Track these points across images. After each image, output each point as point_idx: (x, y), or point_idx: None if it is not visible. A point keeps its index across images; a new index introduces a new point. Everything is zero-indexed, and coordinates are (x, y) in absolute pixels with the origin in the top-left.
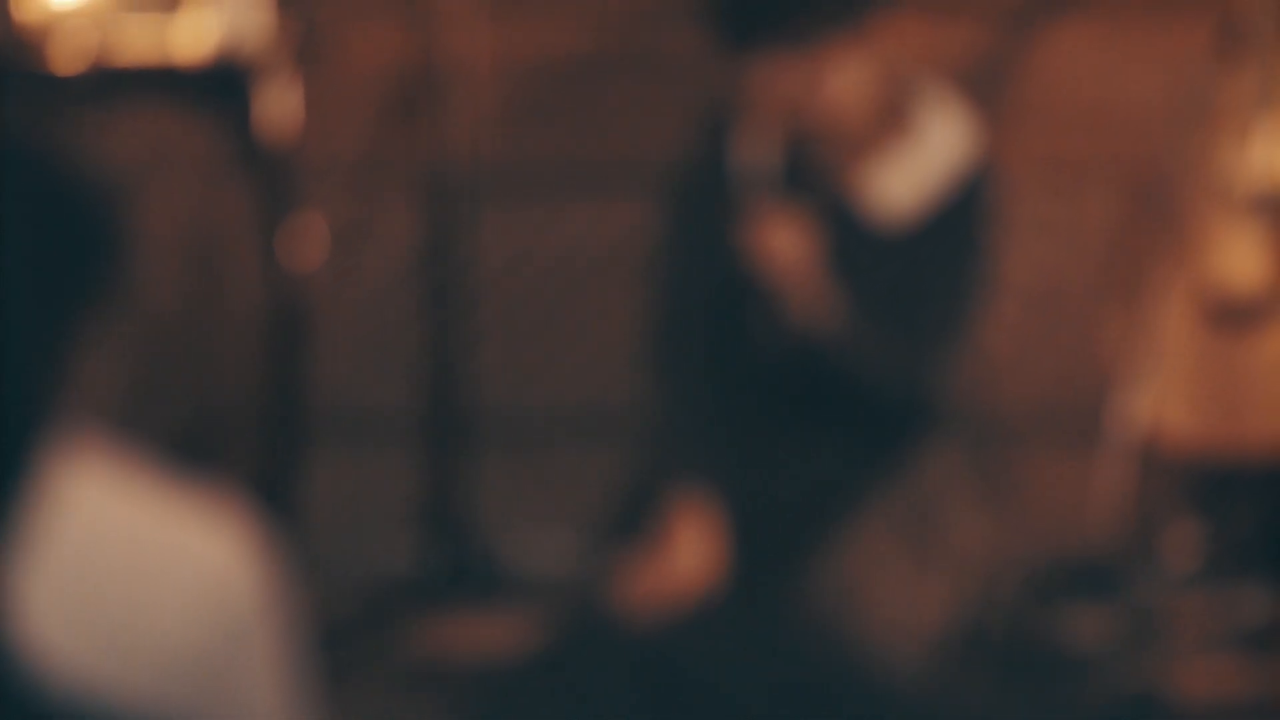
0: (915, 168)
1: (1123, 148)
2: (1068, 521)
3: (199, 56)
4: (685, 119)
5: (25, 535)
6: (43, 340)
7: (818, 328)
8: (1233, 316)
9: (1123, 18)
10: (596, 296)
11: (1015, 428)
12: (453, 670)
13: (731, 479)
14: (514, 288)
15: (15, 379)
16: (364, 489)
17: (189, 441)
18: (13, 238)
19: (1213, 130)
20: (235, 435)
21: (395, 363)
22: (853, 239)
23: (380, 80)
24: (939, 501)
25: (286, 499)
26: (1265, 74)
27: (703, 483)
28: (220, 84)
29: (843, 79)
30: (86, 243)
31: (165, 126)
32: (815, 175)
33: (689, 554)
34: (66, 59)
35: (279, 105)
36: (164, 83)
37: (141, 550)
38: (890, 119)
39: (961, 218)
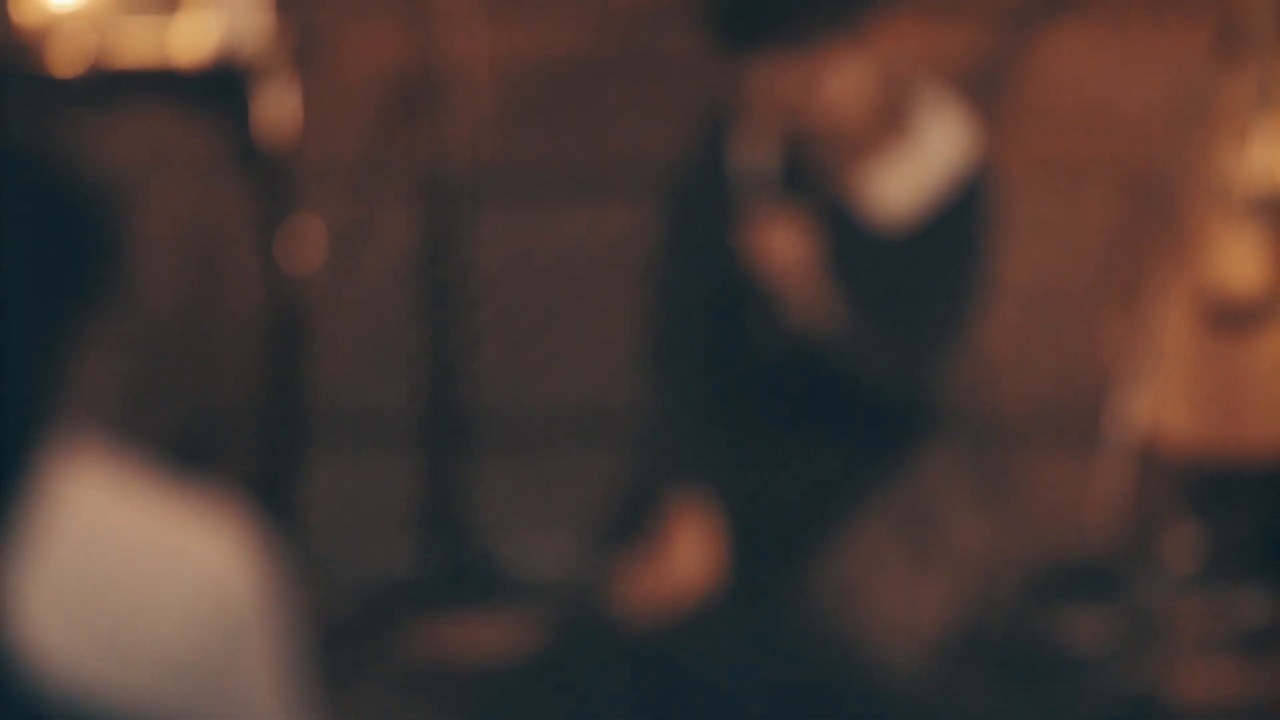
0: (914, 169)
1: (1122, 149)
2: (1067, 522)
3: (198, 58)
4: (684, 120)
5: (24, 537)
6: (42, 341)
7: (817, 329)
8: (1232, 318)
9: (1122, 19)
10: (596, 297)
11: (1014, 429)
12: (452, 672)
13: (731, 480)
14: (513, 289)
15: (14, 380)
16: (363, 490)
17: (188, 443)
18: (12, 239)
19: (1212, 132)
20: (234, 436)
21: (394, 364)
22: (852, 240)
23: (379, 81)
24: (938, 502)
25: (285, 500)
26: (1265, 75)
27: (702, 484)
28: (219, 85)
29: (841, 80)
30: (85, 244)
31: (164, 128)
32: (814, 177)
33: (688, 555)
34: (65, 61)
35: (278, 106)
36: (163, 84)
37: (140, 552)
38: (889, 120)
39: (960, 219)
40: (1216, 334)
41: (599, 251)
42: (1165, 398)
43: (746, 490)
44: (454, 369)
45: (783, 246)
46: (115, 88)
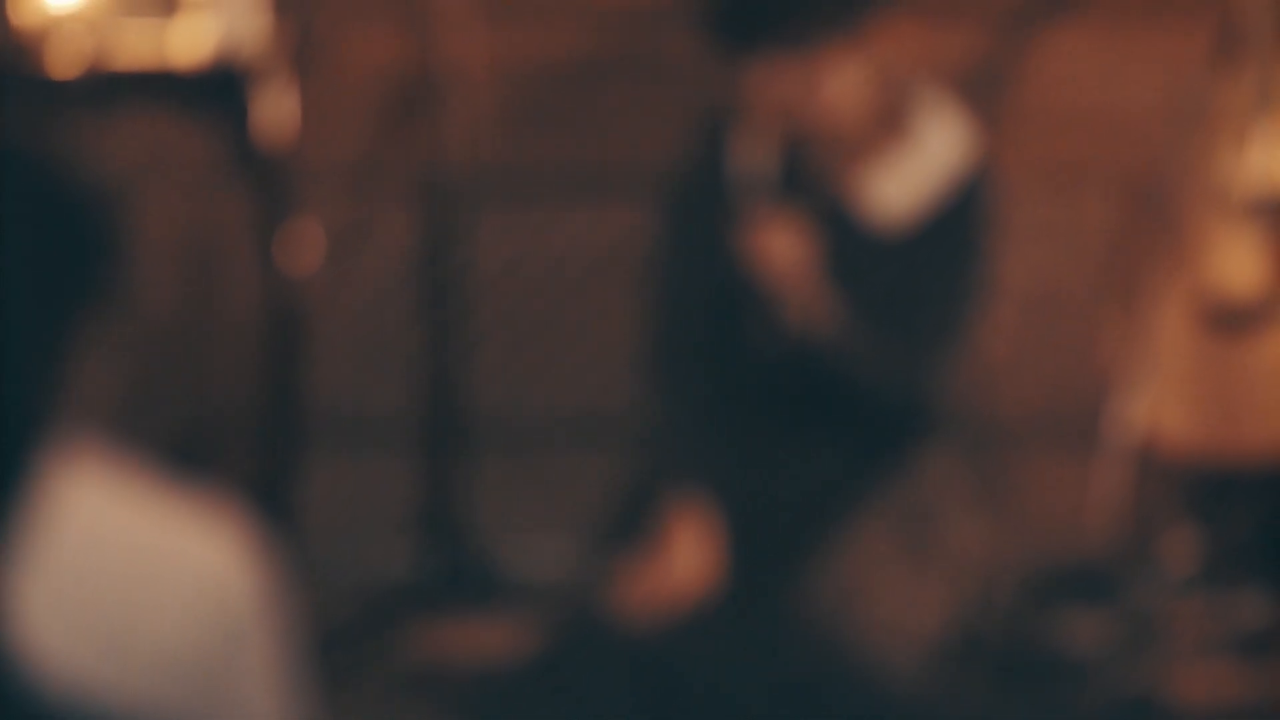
0: (913, 171)
1: (1121, 151)
2: (1065, 525)
3: (196, 60)
4: (683, 122)
5: (23, 538)
6: (41, 344)
7: (815, 331)
8: (1230, 320)
9: (1121, 21)
10: (594, 299)
11: (1013, 431)
12: (451, 674)
13: (729, 482)
14: (512, 290)
15: (13, 383)
16: (361, 493)
17: (186, 444)
18: (11, 241)
19: (1211, 134)
20: (233, 439)
21: (393, 366)
22: (850, 243)
23: (378, 84)
24: (937, 504)
25: (284, 502)
26: (1263, 78)
27: (700, 485)
28: (217, 88)
29: (840, 82)
30: (84, 247)
31: (162, 130)
32: (813, 178)
33: (687, 557)
34: (64, 63)
35: (276, 109)
36: (161, 87)
37: (139, 553)
38: (888, 123)
39: (959, 221)
40: (1215, 336)
41: (598, 253)
42: (1164, 400)
43: (745, 492)
44: (452, 371)
45: (781, 248)
46: (114, 89)
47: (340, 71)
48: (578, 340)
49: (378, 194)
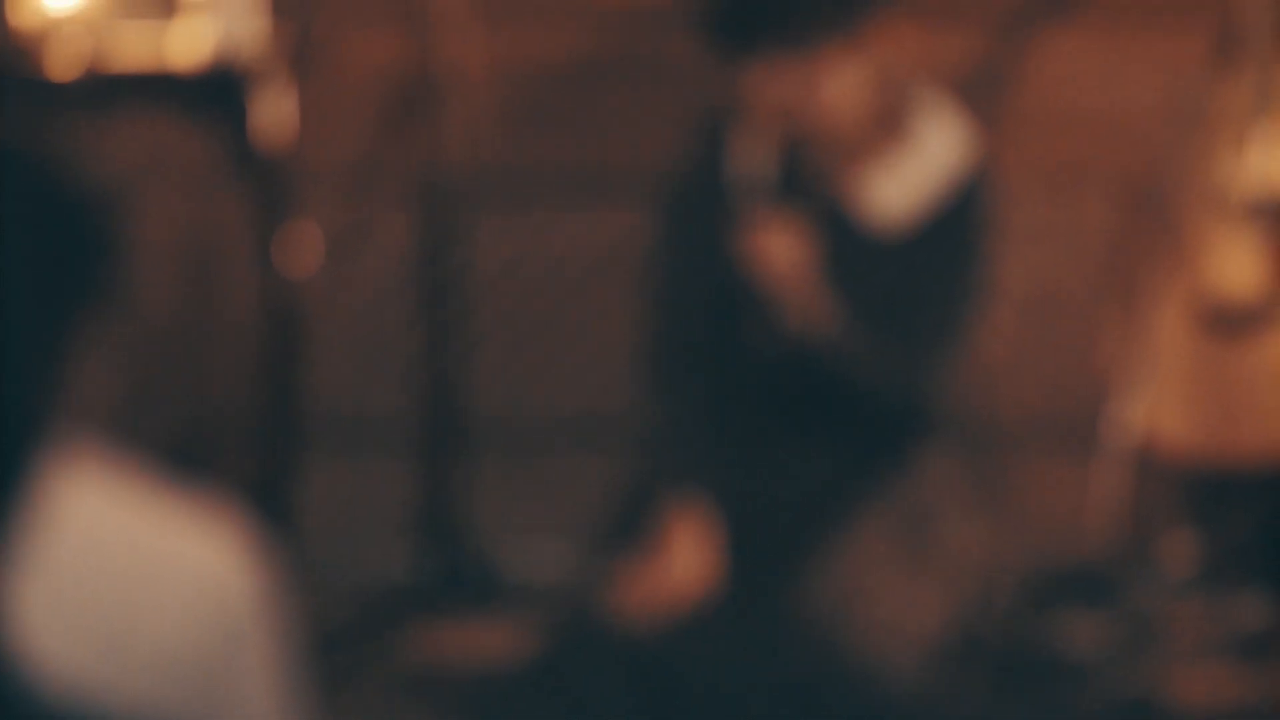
0: (911, 174)
1: (1120, 153)
2: (1064, 527)
3: (195, 62)
4: (682, 124)
5: (22, 540)
6: (39, 346)
7: (814, 333)
8: (1229, 322)
9: (1120, 24)
10: (593, 301)
11: (1012, 433)
12: (449, 676)
13: (728, 484)
14: (511, 293)
15: (12, 385)
16: (360, 495)
17: (185, 446)
18: (10, 243)
19: (1210, 136)
20: (231, 441)
21: (391, 368)
22: (849, 245)
23: (376, 86)
24: (936, 506)
25: (282, 504)
26: (1262, 79)
27: (699, 488)
28: (216, 90)
29: (839, 84)
30: (82, 249)
31: (161, 132)
32: (811, 181)
33: (686, 559)
34: (62, 65)
35: (275, 111)
36: (160, 89)
37: (138, 555)
38: (887, 124)
39: (958, 224)
40: (1214, 337)
41: (598, 254)
42: (1163, 401)
43: (744, 494)
44: (452, 372)
45: (780, 250)
46: (112, 92)
47: (339, 72)
48: (577, 341)
49: (377, 195)
